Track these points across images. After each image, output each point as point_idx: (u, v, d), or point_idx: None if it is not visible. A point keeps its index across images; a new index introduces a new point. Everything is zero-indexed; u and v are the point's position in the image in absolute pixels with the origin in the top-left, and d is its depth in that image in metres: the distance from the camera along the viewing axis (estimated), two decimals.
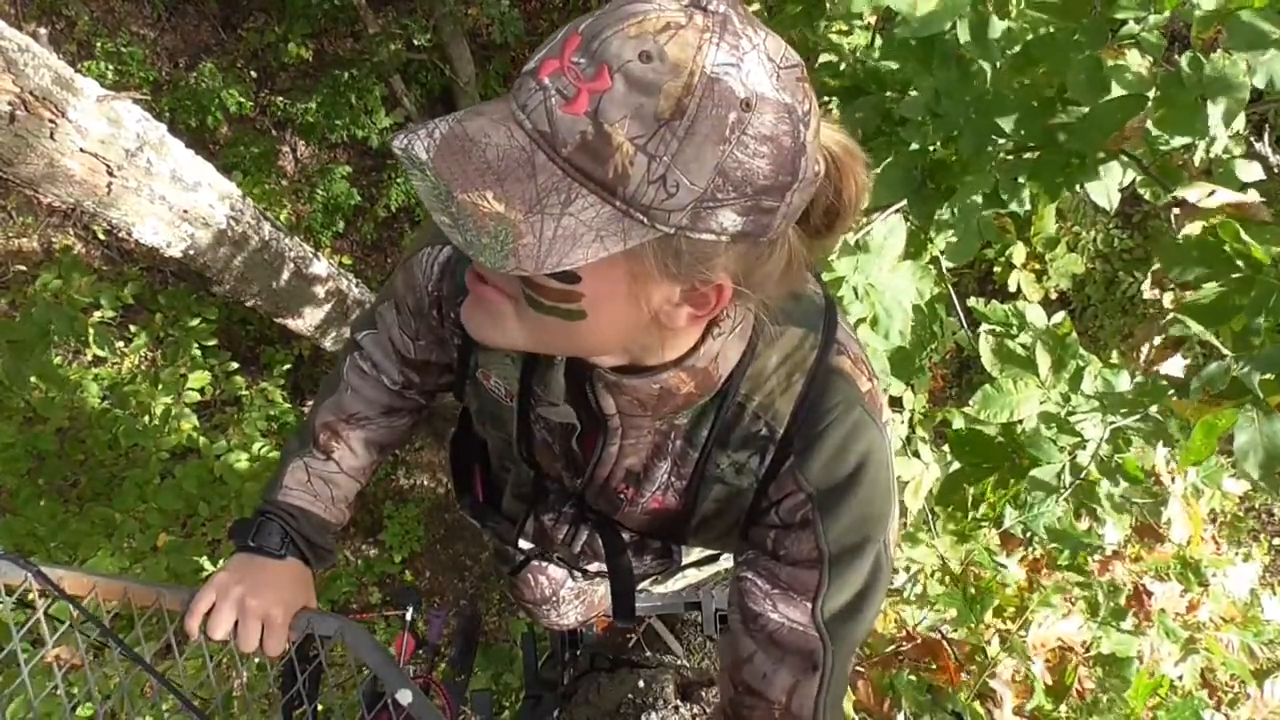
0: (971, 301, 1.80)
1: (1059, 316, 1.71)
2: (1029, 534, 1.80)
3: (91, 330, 3.34)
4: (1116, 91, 1.23)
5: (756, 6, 2.02)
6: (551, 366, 0.84)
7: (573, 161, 0.58)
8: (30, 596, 0.91)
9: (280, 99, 5.18)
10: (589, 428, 0.88)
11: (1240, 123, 1.37)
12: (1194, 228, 1.16)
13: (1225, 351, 1.15)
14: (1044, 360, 1.59)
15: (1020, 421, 1.62)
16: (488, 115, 0.60)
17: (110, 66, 4.81)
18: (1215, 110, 1.16)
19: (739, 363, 0.81)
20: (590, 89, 0.56)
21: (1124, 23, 1.24)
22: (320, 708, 1.11)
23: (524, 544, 1.20)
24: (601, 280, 0.65)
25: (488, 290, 0.69)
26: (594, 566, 1.21)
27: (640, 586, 1.43)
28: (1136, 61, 1.26)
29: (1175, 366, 1.59)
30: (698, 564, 1.31)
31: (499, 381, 0.93)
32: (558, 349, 0.74)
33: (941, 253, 1.62)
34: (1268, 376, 1.11)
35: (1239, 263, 1.09)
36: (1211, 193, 1.14)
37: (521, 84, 0.60)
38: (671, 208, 0.59)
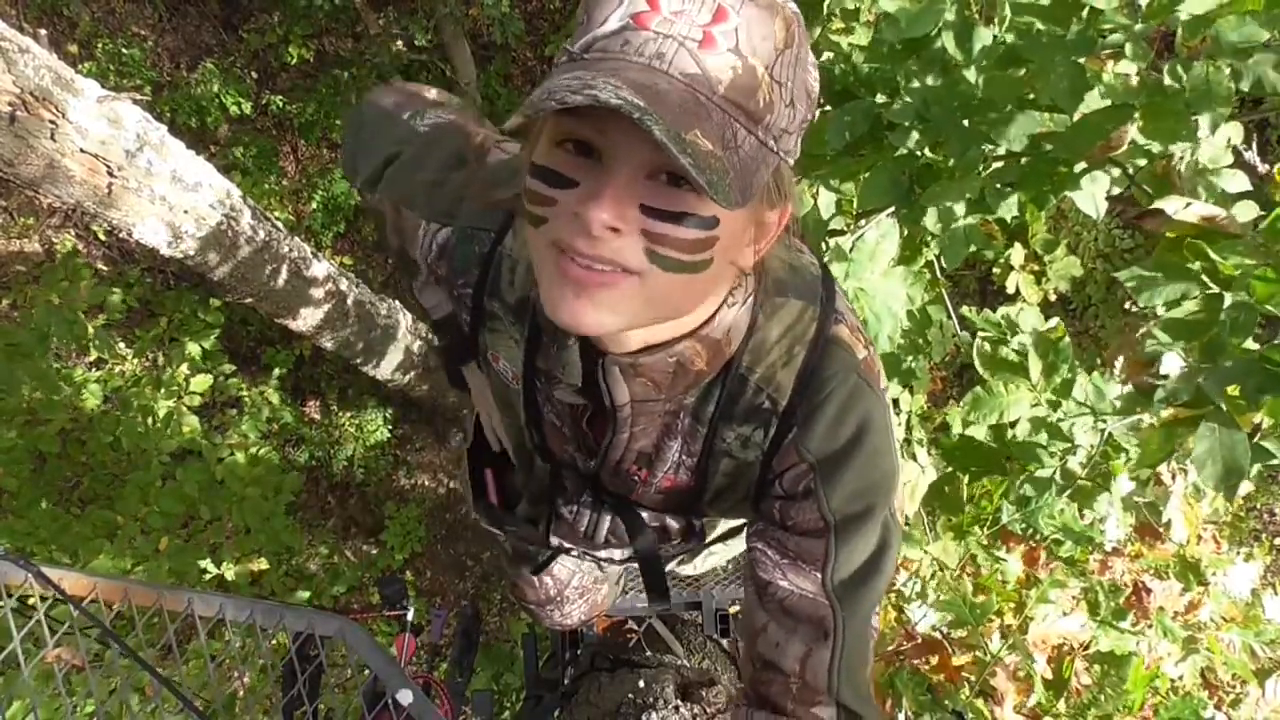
0: (965, 310, 1.80)
1: (1052, 322, 1.71)
2: (1028, 530, 1.80)
3: (92, 332, 3.35)
4: (1099, 100, 1.23)
5: None
6: (565, 347, 0.83)
7: (728, 97, 0.59)
8: (31, 601, 0.91)
9: (280, 99, 5.18)
10: (600, 409, 0.87)
11: (1237, 132, 1.37)
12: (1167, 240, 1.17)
13: (1188, 363, 1.15)
14: (1035, 365, 1.59)
15: (1013, 424, 1.62)
16: (622, 72, 0.57)
17: (111, 67, 4.81)
18: (1204, 118, 1.16)
19: (743, 336, 0.81)
20: (719, 30, 0.59)
21: (1111, 31, 1.24)
22: (321, 707, 1.12)
23: (554, 540, 1.20)
24: (732, 220, 0.65)
25: (601, 277, 0.63)
26: (620, 554, 1.21)
27: (669, 569, 1.42)
28: (1123, 69, 1.26)
29: (1173, 365, 1.58)
30: (723, 538, 1.30)
31: (506, 364, 0.93)
32: (665, 315, 0.70)
33: (938, 255, 1.62)
34: (1233, 390, 1.10)
35: (1206, 280, 1.09)
36: (1187, 205, 1.14)
37: (626, 40, 0.59)
38: (792, 130, 0.64)
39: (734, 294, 0.77)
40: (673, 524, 1.07)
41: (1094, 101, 1.23)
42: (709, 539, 1.17)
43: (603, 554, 1.21)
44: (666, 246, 0.62)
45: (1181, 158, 1.33)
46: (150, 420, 3.33)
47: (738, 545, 1.37)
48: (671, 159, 0.54)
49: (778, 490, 0.86)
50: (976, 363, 1.67)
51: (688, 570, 1.63)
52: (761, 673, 0.87)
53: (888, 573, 0.86)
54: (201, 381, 3.55)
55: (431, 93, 1.04)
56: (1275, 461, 1.15)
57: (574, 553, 1.28)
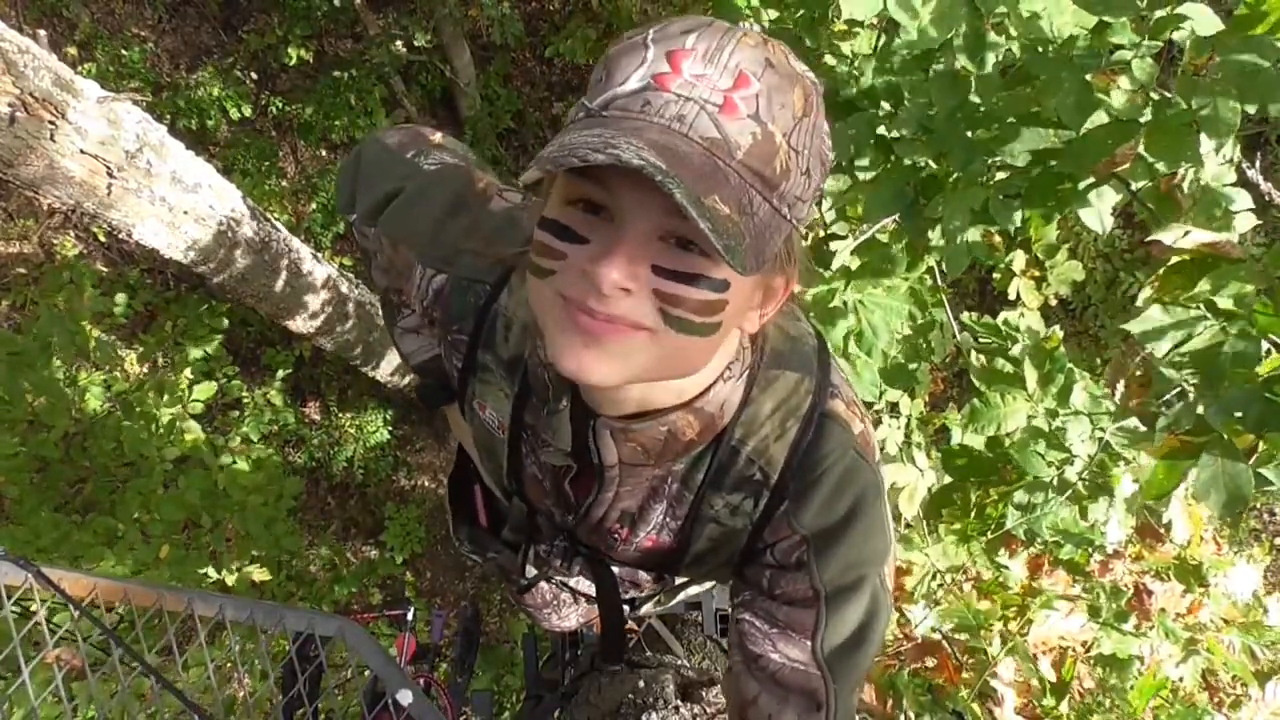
0: (965, 316, 1.80)
1: (1048, 330, 1.71)
2: (1030, 535, 1.80)
3: (93, 342, 3.34)
4: (1105, 116, 1.22)
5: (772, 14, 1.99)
6: (555, 413, 0.83)
7: (746, 163, 0.59)
8: (32, 606, 0.91)
9: (280, 100, 5.18)
10: (584, 471, 0.87)
11: (1235, 151, 1.36)
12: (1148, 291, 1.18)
13: (1190, 391, 1.15)
14: (1031, 374, 1.59)
15: (1010, 434, 1.62)
16: (643, 133, 0.56)
17: (111, 69, 4.81)
18: (1207, 138, 1.15)
19: (736, 409, 0.81)
20: (740, 96, 0.58)
21: (1118, 47, 1.23)
22: (321, 707, 1.11)
23: (530, 570, 1.21)
24: (743, 284, 0.64)
25: (613, 328, 0.62)
26: (592, 591, 1.21)
27: (644, 610, 1.44)
28: (1129, 84, 1.26)
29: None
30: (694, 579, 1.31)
31: (493, 413, 0.93)
32: (671, 374, 0.69)
33: (938, 263, 1.62)
34: (1236, 416, 1.10)
35: (1206, 314, 1.09)
36: (1186, 233, 1.13)
37: (647, 100, 0.58)
38: (806, 199, 0.64)
39: (731, 367, 0.77)
40: (644, 577, 1.08)
41: (1099, 117, 1.23)
42: (680, 581, 1.17)
43: (574, 584, 1.21)
44: (680, 308, 0.62)
45: (1184, 175, 1.32)
46: (153, 427, 3.32)
47: (709, 580, 1.38)
48: (690, 222, 0.54)
49: (769, 560, 0.85)
50: (972, 375, 1.67)
51: (660, 610, 1.64)
52: None
53: (877, 640, 0.86)
54: (205, 389, 3.54)
55: (436, 136, 1.04)
56: (1273, 488, 1.15)
57: (553, 581, 1.28)
